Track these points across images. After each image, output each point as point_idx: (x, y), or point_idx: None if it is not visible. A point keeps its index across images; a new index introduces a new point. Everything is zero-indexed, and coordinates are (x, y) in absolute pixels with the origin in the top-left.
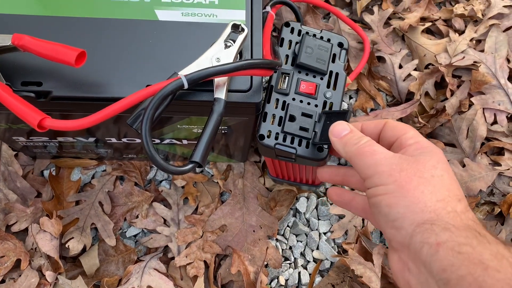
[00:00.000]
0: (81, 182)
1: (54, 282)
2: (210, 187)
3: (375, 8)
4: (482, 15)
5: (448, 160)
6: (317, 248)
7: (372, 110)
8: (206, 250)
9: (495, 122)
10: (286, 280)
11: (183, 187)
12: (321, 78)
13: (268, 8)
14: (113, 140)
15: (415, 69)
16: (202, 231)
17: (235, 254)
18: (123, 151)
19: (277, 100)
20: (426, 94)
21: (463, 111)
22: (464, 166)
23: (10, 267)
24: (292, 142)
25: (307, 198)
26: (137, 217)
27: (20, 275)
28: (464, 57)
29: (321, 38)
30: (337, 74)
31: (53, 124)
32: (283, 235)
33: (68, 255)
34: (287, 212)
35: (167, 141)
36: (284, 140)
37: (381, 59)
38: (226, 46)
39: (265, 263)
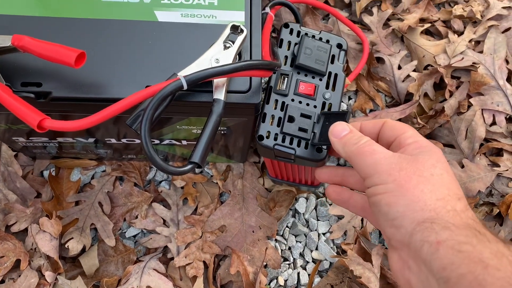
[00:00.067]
0: (80, 183)
1: (54, 282)
2: (209, 188)
3: (374, 9)
4: (481, 16)
5: (447, 161)
6: (316, 249)
7: (371, 111)
8: (206, 250)
9: (494, 123)
10: (285, 281)
11: (182, 187)
12: (320, 79)
13: (267, 9)
14: (113, 140)
15: (414, 70)
16: (202, 231)
17: (234, 254)
18: (122, 151)
19: (276, 101)
20: (425, 95)
21: (462, 112)
22: (463, 167)
23: (9, 267)
24: (291, 142)
25: (306, 198)
26: (136, 217)
27: (19, 275)
28: (463, 58)
29: (320, 39)
30: (336, 75)
31: (53, 124)
32: (282, 235)
33: (67, 256)
34: (286, 213)
35: (166, 141)
36: (283, 140)
37: (380, 60)
38: (225, 47)
39: (264, 263)
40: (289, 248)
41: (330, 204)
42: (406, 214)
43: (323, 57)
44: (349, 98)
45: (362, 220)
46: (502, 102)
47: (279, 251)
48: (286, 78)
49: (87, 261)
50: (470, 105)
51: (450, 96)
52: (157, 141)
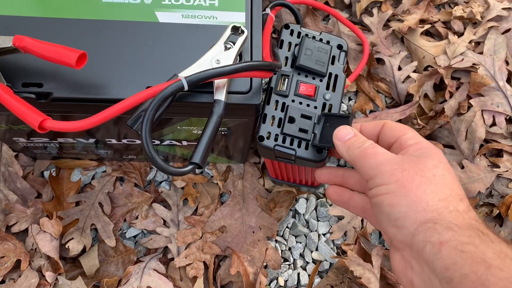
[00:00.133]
0: (81, 183)
1: (54, 283)
2: (209, 188)
3: (375, 10)
4: (481, 17)
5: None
6: (316, 249)
7: (371, 111)
8: (206, 251)
9: (493, 124)
10: (285, 281)
11: (182, 188)
12: (321, 80)
13: (267, 10)
14: (113, 141)
15: (414, 71)
16: (202, 232)
17: (235, 255)
18: (123, 152)
19: (277, 101)
20: (425, 96)
21: (462, 113)
22: (462, 167)
23: (10, 267)
24: (291, 143)
25: (307, 199)
26: (136, 218)
27: (20, 276)
28: (463, 59)
29: (321, 40)
30: (336, 76)
31: (54, 125)
32: (282, 236)
33: (68, 256)
34: (286, 213)
35: (167, 142)
36: (284, 141)
37: (380, 61)
38: (226, 48)
39: (265, 264)
40: (289, 249)
41: (330, 205)
42: (408, 214)
43: (324, 58)
44: (349, 99)
45: (362, 220)
46: (502, 103)
47: (279, 251)
48: (286, 79)
49: (87, 261)
50: (470, 106)
51: (450, 97)
52: (157, 142)
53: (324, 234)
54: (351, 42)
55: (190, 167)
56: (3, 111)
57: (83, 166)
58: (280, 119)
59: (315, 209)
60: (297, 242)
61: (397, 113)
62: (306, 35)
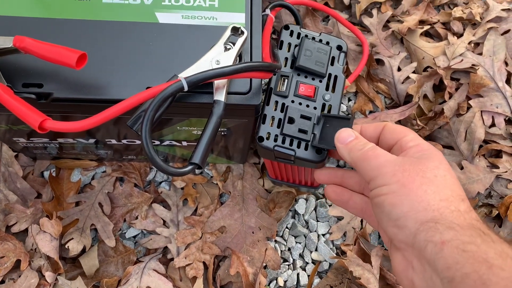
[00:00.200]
0: (81, 183)
1: (54, 283)
2: (209, 189)
3: (374, 11)
4: (481, 18)
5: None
6: (316, 250)
7: (370, 112)
8: (205, 251)
9: (493, 124)
10: (285, 282)
11: (182, 188)
12: (320, 81)
13: (267, 11)
14: (113, 141)
15: (413, 72)
16: (201, 232)
17: (234, 255)
18: (123, 152)
19: (276, 102)
20: (425, 96)
21: (461, 113)
22: (462, 168)
23: (10, 267)
24: (291, 144)
25: (306, 199)
26: (136, 218)
27: (20, 276)
28: (462, 60)
29: (320, 41)
30: (336, 76)
31: (54, 125)
32: (282, 236)
33: (67, 256)
34: (286, 214)
35: (166, 142)
36: (283, 142)
37: (380, 62)
38: (226, 49)
39: (264, 264)
40: (289, 249)
41: (329, 205)
42: (409, 214)
43: (323, 59)
44: (349, 100)
45: (361, 221)
46: (501, 104)
47: (279, 252)
48: (286, 80)
49: (87, 261)
50: (469, 107)
51: (450, 97)
52: (157, 142)
53: (323, 235)
54: (351, 43)
55: (190, 167)
56: (3, 112)
57: (83, 166)
58: (279, 119)
59: (315, 209)
60: (296, 242)
61: (396, 114)
62: (306, 36)
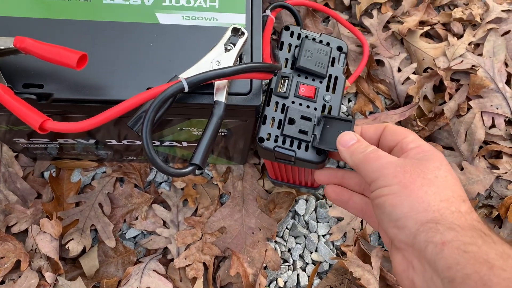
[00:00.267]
0: (81, 184)
1: (54, 283)
2: (209, 189)
3: (374, 12)
4: (481, 19)
5: None
6: (316, 250)
7: (371, 113)
8: (205, 252)
9: (493, 125)
10: (285, 282)
11: (182, 189)
12: (320, 82)
13: (268, 12)
14: (114, 142)
15: (413, 73)
16: (202, 233)
17: (234, 256)
18: (123, 153)
19: (277, 103)
20: (425, 97)
21: (461, 114)
22: (462, 169)
23: (10, 268)
24: (291, 145)
25: (306, 200)
26: (136, 218)
27: (20, 276)
28: (462, 61)
29: (321, 42)
30: (336, 77)
31: (55, 126)
32: (282, 237)
33: (68, 256)
34: (286, 214)
35: (167, 143)
36: (284, 142)
37: (380, 63)
38: (226, 50)
39: (264, 265)
40: (289, 250)
41: (329, 206)
42: (410, 214)
43: (324, 60)
44: (349, 100)
45: (361, 222)
46: (501, 105)
47: (279, 252)
48: (286, 81)
49: (87, 262)
50: (469, 108)
51: (450, 98)
52: (157, 143)
53: (323, 235)
54: (351, 43)
55: (190, 168)
56: (4, 112)
57: (83, 166)
58: (280, 120)
59: (315, 210)
60: (296, 243)
61: (396, 115)
62: (306, 36)
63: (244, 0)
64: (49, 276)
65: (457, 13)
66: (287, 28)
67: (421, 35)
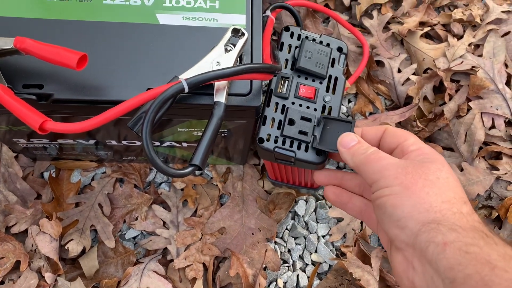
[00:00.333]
0: (80, 184)
1: (54, 284)
2: (209, 190)
3: (374, 13)
4: (481, 20)
5: None
6: (316, 251)
7: (371, 114)
8: (205, 252)
9: (493, 126)
10: (285, 283)
11: (182, 189)
12: (320, 82)
13: (268, 12)
14: (113, 142)
15: (413, 74)
16: (201, 233)
17: (234, 256)
18: (123, 153)
19: (277, 103)
20: (425, 98)
21: (461, 115)
22: (462, 170)
23: (9, 268)
24: (291, 145)
25: (306, 201)
26: (136, 219)
27: (19, 277)
28: (462, 62)
29: (321, 42)
30: (336, 78)
31: (55, 126)
32: (281, 238)
33: (67, 257)
34: (286, 215)
35: (167, 143)
36: (284, 143)
37: (380, 63)
38: (227, 50)
39: (264, 265)
40: (289, 251)
41: (329, 207)
42: (411, 215)
43: (324, 61)
44: (349, 101)
45: (361, 223)
46: (501, 106)
47: (279, 253)
48: (286, 81)
49: (87, 262)
50: (469, 109)
51: (450, 99)
52: (157, 143)
53: (323, 236)
54: (351, 44)
55: (190, 169)
56: (4, 112)
57: (83, 167)
58: (280, 121)
59: (315, 211)
60: (296, 244)
61: (396, 116)
62: (306, 37)
63: (244, 1)
64: (48, 276)
65: (457, 14)
66: (287, 28)
67: (421, 36)
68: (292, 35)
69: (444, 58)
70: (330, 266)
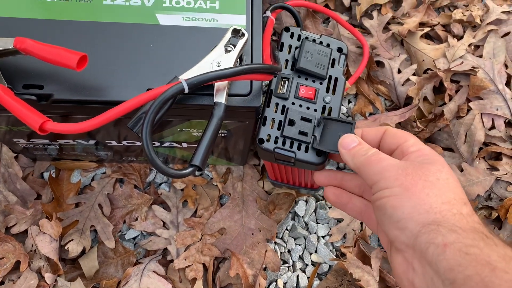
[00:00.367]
0: (80, 184)
1: (53, 284)
2: (209, 190)
3: (374, 13)
4: (481, 20)
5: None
6: (316, 252)
7: (371, 114)
8: (205, 253)
9: (493, 127)
10: (285, 284)
11: (182, 190)
12: (321, 83)
13: (268, 13)
14: (113, 142)
15: (413, 74)
16: (201, 234)
17: (234, 257)
18: (123, 153)
19: (277, 104)
20: (425, 98)
21: (461, 116)
22: (462, 170)
23: (9, 269)
24: (291, 146)
25: (306, 201)
26: (136, 219)
27: (19, 277)
28: (462, 63)
29: (321, 43)
30: (336, 79)
31: (55, 127)
32: (281, 238)
33: (67, 257)
34: (286, 216)
35: (167, 144)
36: (284, 144)
37: (380, 64)
38: (227, 51)
39: (264, 266)
40: (289, 251)
41: (329, 207)
42: (411, 216)
43: (324, 61)
44: (349, 102)
45: (361, 223)
46: (501, 107)
47: (279, 253)
48: (286, 82)
49: (86, 263)
50: (469, 109)
51: (450, 100)
52: (157, 144)
53: (323, 237)
54: (351, 44)
55: (190, 169)
56: (4, 113)
57: (83, 167)
58: (280, 121)
59: (315, 211)
60: (296, 244)
61: (396, 116)
62: (306, 38)
63: (244, 1)
64: (48, 277)
65: (457, 14)
66: (287, 29)
67: (421, 36)
68: (292, 36)
69: (444, 59)
70: (330, 266)
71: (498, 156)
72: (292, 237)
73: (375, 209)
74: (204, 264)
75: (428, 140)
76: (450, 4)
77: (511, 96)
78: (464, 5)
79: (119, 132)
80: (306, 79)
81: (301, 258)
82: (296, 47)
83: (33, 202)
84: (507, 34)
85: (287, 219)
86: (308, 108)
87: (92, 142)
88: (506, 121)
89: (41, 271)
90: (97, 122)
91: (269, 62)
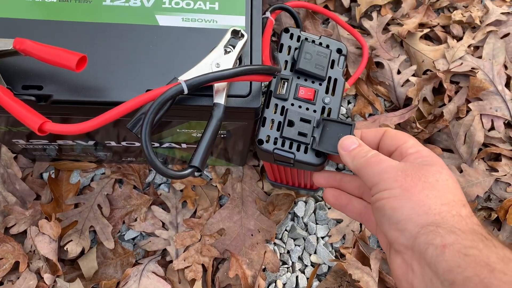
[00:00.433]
0: (80, 185)
1: (53, 285)
2: (208, 191)
3: (374, 14)
4: (480, 21)
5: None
6: (315, 252)
7: (370, 115)
8: (204, 253)
9: (492, 128)
10: (284, 284)
11: (181, 190)
12: (320, 84)
13: (267, 14)
14: (113, 143)
15: (413, 75)
16: (201, 234)
17: (233, 257)
18: (122, 154)
19: (276, 105)
20: (424, 99)
21: (460, 117)
22: (461, 171)
23: (8, 269)
24: (290, 147)
25: (305, 202)
26: (135, 220)
27: (18, 278)
28: (462, 63)
29: (320, 44)
30: (335, 80)
31: (54, 128)
32: (281, 239)
33: (66, 258)
34: (285, 216)
35: (166, 144)
36: (283, 145)
37: (379, 65)
38: (226, 52)
39: (263, 267)
40: (288, 252)
41: (329, 208)
42: (410, 217)
43: (323, 62)
44: (349, 102)
45: (360, 224)
46: (500, 108)
47: (278, 254)
48: (286, 83)
49: (86, 263)
50: (469, 110)
51: (449, 101)
52: (156, 144)
53: (322, 237)
54: (351, 45)
55: (189, 170)
56: (3, 113)
57: (82, 168)
58: (279, 122)
59: (314, 212)
60: (295, 245)
61: (396, 117)
62: (306, 39)
63: (244, 2)
64: (47, 277)
65: (457, 15)
66: (286, 30)
67: (421, 37)
68: (291, 37)
69: (444, 60)
70: (329, 267)
71: (497, 157)
72: (292, 238)
73: (374, 210)
74: (203, 265)
75: (428, 141)
76: (449, 5)
77: (510, 97)
78: (463, 6)
79: (118, 132)
80: (306, 80)
81: (300, 259)
82: (296, 48)
83: (32, 202)
84: (506, 35)
85: (286, 220)
86: (307, 109)
87: (91, 142)
88: (506, 122)
89: (40, 271)
90: (97, 123)
91: (268, 63)
